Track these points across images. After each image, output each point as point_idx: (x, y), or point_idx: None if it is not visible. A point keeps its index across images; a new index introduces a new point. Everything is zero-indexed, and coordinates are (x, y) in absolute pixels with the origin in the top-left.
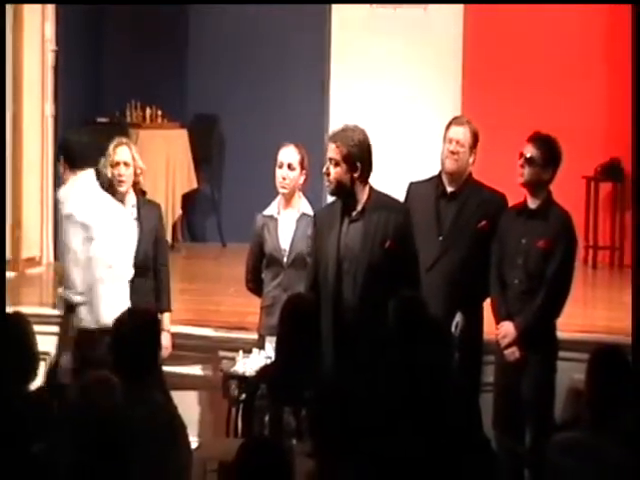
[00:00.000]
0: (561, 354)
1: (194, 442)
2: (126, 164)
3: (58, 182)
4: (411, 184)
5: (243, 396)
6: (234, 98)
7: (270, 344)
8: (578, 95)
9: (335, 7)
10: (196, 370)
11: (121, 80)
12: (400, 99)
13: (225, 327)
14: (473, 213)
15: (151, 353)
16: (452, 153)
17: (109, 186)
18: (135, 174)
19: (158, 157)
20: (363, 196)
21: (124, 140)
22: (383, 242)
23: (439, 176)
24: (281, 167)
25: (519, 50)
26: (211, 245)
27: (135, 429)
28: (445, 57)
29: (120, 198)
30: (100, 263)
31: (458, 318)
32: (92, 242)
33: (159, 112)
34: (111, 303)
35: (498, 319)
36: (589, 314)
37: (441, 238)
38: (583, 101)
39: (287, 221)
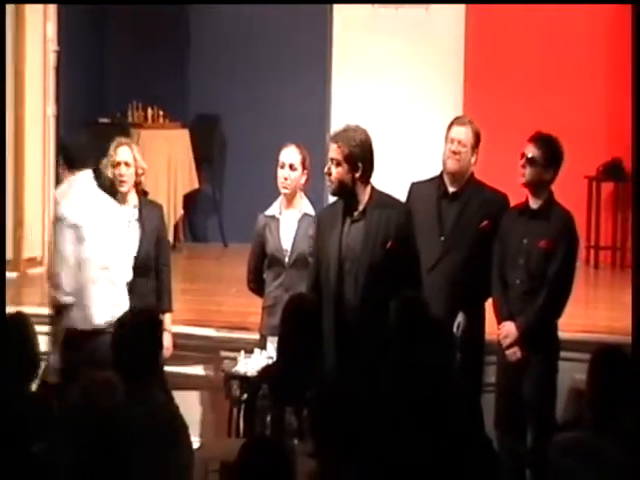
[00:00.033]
0: (563, 354)
1: (196, 442)
2: (127, 164)
3: (59, 182)
4: (413, 184)
5: (245, 396)
6: (236, 98)
7: (272, 344)
8: (580, 95)
9: (337, 7)
10: (198, 370)
11: (123, 80)
12: (402, 99)
13: (227, 327)
14: (475, 213)
15: (152, 353)
16: (454, 153)
17: (110, 186)
18: (136, 174)
19: (160, 157)
20: (365, 196)
21: (125, 140)
22: (385, 242)
23: (441, 176)
24: (283, 167)
25: (521, 50)
26: (213, 245)
27: (136, 429)
28: (447, 57)
29: (122, 198)
30: (93, 264)
31: (460, 318)
32: (84, 243)
33: (160, 112)
34: (105, 304)
35: (500, 319)
36: (591, 314)
37: (443, 238)
38: (585, 101)
39: (289, 221)
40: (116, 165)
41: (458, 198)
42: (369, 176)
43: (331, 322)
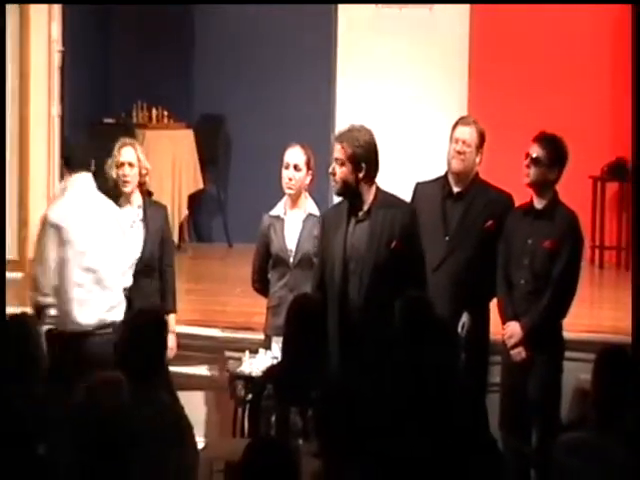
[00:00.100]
0: (567, 354)
1: (200, 442)
2: (130, 164)
3: None
4: (417, 184)
5: (249, 396)
6: (240, 98)
7: (276, 344)
8: (584, 95)
9: (341, 7)
10: (203, 370)
11: (127, 81)
12: (406, 99)
13: (231, 327)
14: (479, 213)
15: (158, 354)
16: (458, 153)
17: (114, 187)
18: (140, 175)
19: (164, 158)
20: (369, 196)
21: (129, 141)
22: (389, 242)
23: (445, 176)
24: (287, 168)
25: (525, 50)
26: (217, 245)
27: (141, 429)
28: (451, 57)
29: (126, 199)
30: (75, 266)
31: (464, 318)
32: (66, 245)
33: (165, 113)
34: (90, 307)
35: (504, 319)
36: (595, 314)
37: (447, 238)
38: (589, 101)
39: (293, 221)
40: (120, 165)
41: (463, 198)
42: (373, 176)
43: (336, 322)
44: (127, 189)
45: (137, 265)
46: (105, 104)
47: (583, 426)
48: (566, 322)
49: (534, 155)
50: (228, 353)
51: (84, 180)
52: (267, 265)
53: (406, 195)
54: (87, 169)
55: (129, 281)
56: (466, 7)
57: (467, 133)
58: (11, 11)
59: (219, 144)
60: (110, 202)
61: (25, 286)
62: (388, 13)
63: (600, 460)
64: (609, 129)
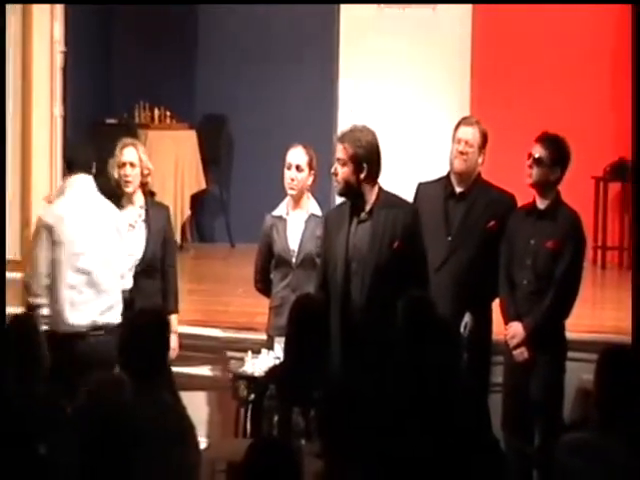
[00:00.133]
0: (570, 354)
1: (203, 442)
2: (132, 165)
3: None
4: (420, 184)
5: (252, 396)
6: (242, 98)
7: (279, 344)
8: (587, 95)
9: (343, 7)
10: (205, 371)
11: (130, 81)
12: (409, 99)
13: (234, 327)
14: (482, 213)
15: (160, 354)
16: (461, 153)
17: (116, 187)
18: (142, 175)
19: (167, 158)
20: (371, 196)
21: (131, 141)
22: (391, 242)
23: (448, 176)
24: (289, 168)
25: (527, 50)
26: (220, 245)
27: (144, 429)
28: (453, 57)
29: (128, 199)
30: (69, 267)
31: (467, 318)
32: (58, 246)
33: (167, 113)
34: (83, 309)
35: (507, 319)
36: (598, 314)
37: (450, 238)
38: (592, 101)
39: (296, 222)
40: (121, 166)
41: (465, 198)
42: (376, 177)
43: (338, 322)
44: (129, 189)
45: (139, 265)
46: (107, 104)
47: (585, 426)
48: (568, 322)
49: (536, 155)
50: (230, 353)
51: (83, 182)
52: (269, 265)
53: (408, 195)
54: (87, 171)
55: (129, 283)
56: (469, 7)
57: (469, 133)
58: (14, 12)
59: (222, 144)
60: (109, 204)
61: None
62: (391, 13)
63: (602, 460)
64: (611, 129)
